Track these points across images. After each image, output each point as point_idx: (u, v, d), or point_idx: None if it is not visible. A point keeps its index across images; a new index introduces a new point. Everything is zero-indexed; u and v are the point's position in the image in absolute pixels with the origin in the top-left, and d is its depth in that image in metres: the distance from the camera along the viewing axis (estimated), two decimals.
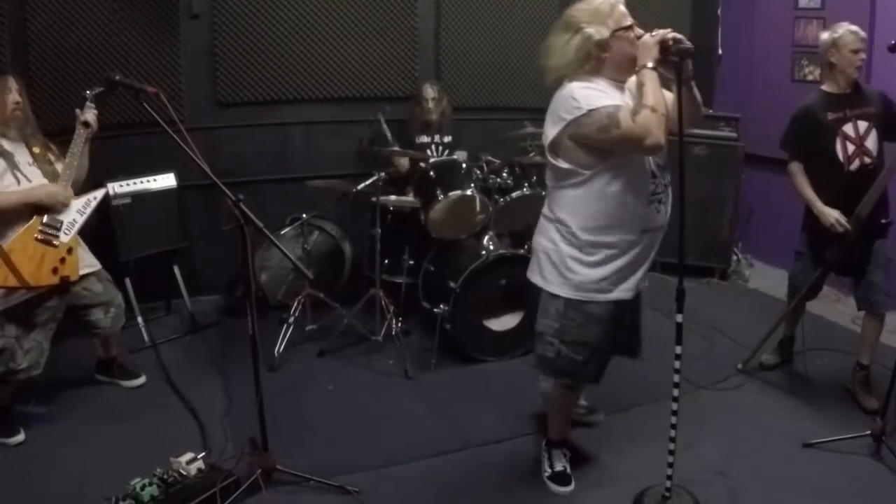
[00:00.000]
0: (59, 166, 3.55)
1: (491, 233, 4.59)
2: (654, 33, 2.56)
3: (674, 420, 2.75)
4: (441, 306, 4.27)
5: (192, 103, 4.94)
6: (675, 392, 2.72)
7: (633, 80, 2.63)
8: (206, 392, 3.92)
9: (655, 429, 3.30)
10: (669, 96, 2.64)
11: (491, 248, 4.44)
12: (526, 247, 4.89)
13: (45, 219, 3.40)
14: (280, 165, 5.35)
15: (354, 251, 5.21)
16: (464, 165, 4.54)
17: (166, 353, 4.38)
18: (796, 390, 4.03)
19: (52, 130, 3.81)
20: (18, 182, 3.38)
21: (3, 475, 3.15)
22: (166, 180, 4.69)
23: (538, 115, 5.56)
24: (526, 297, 4.40)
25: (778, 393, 4.00)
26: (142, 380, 4.00)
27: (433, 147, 5.01)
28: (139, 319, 4.50)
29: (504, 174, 4.65)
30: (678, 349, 2.67)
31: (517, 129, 4.89)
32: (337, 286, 5.07)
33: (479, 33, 5.70)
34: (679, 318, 2.66)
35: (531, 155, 4.84)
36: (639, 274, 2.79)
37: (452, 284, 4.22)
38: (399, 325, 4.50)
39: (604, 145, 2.57)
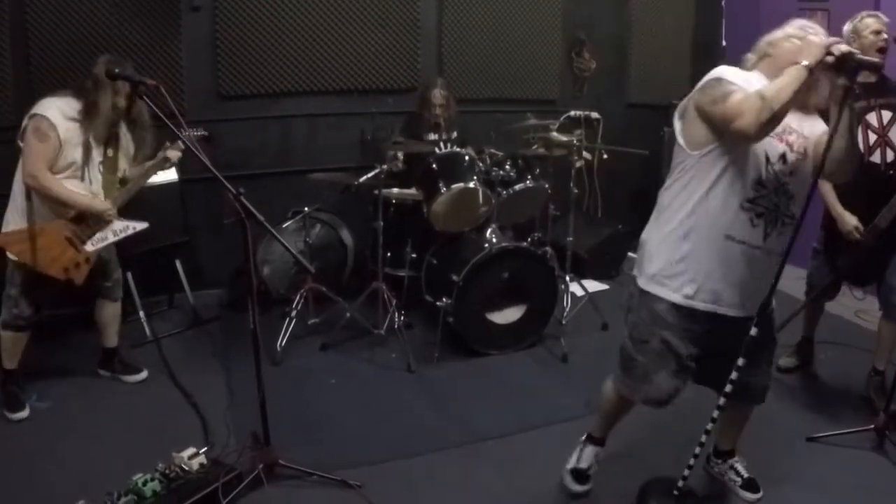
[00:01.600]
0: (120, 174, 3.66)
1: (494, 225, 4.57)
2: (827, 39, 2.34)
3: (710, 426, 2.60)
4: (444, 299, 4.26)
5: (194, 96, 4.92)
6: (721, 401, 2.56)
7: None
8: (209, 387, 3.91)
9: (661, 426, 3.30)
10: (820, 128, 2.58)
11: (494, 240, 4.43)
12: (529, 239, 4.89)
13: (83, 225, 3.52)
14: (282, 158, 5.33)
15: (357, 244, 5.19)
16: (466, 158, 4.52)
17: (168, 347, 4.38)
18: (800, 384, 4.02)
19: None
20: (82, 179, 3.47)
21: (4, 469, 3.14)
22: (168, 174, 4.63)
23: (541, 107, 5.66)
24: (529, 290, 4.41)
25: (782, 387, 3.97)
26: (143, 375, 3.99)
27: (441, 145, 4.98)
28: (141, 314, 4.49)
29: (507, 166, 4.63)
30: (740, 361, 2.50)
31: (520, 121, 4.87)
32: (340, 280, 5.06)
33: (481, 25, 5.67)
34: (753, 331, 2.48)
35: (534, 147, 4.83)
36: (724, 289, 2.55)
37: (455, 277, 4.21)
38: (402, 318, 4.50)
39: (711, 119, 2.44)
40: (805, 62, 2.27)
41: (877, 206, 3.52)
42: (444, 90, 4.97)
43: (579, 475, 3.07)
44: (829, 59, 2.25)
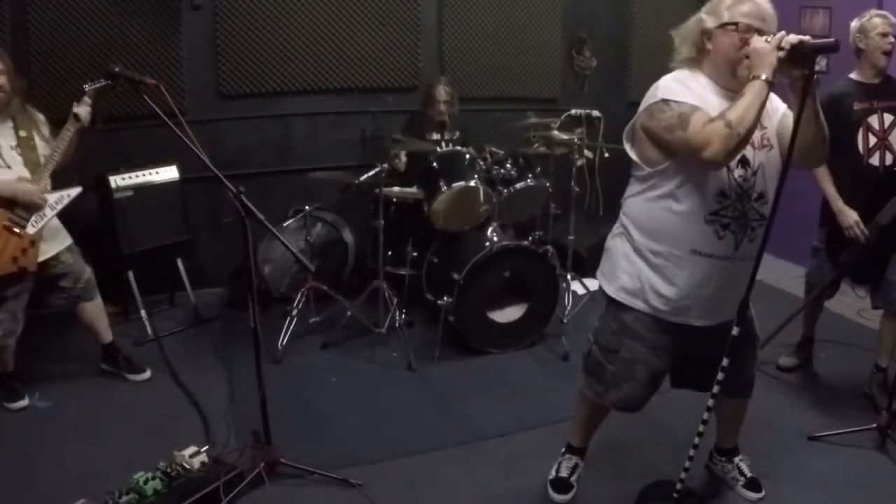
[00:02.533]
0: (41, 152, 3.57)
1: (495, 224, 4.56)
2: (769, 38, 2.20)
3: (701, 428, 2.57)
4: (445, 298, 4.26)
5: (194, 95, 4.91)
6: (710, 402, 2.54)
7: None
8: (210, 385, 3.91)
9: (659, 426, 3.30)
10: (779, 109, 2.50)
11: (495, 239, 4.42)
12: (530, 238, 4.89)
13: (17, 209, 3.43)
14: (283, 157, 5.33)
15: (358, 243, 5.19)
16: (467, 156, 4.52)
17: (169, 346, 4.37)
18: (801, 383, 4.02)
19: (51, 121, 3.79)
20: None
21: (5, 468, 3.14)
22: (169, 173, 4.65)
23: (542, 105, 5.65)
24: (530, 288, 4.40)
25: (783, 386, 3.98)
26: (147, 374, 3.98)
27: (443, 144, 4.97)
28: (142, 312, 4.49)
29: (508, 165, 4.62)
30: (725, 361, 2.47)
31: (521, 119, 4.87)
32: (340, 278, 5.06)
33: (482, 23, 5.66)
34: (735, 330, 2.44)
35: (535, 146, 4.83)
36: (695, 303, 2.50)
37: (456, 276, 4.21)
38: (402, 317, 4.49)
39: (667, 145, 2.37)
40: (764, 75, 2.16)
41: (876, 207, 3.54)
42: (448, 87, 4.96)
43: (558, 484, 3.04)
44: (781, 54, 2.15)
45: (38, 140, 3.61)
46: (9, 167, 3.46)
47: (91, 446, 3.33)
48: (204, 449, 3.06)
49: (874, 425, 3.31)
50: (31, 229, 3.46)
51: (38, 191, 3.46)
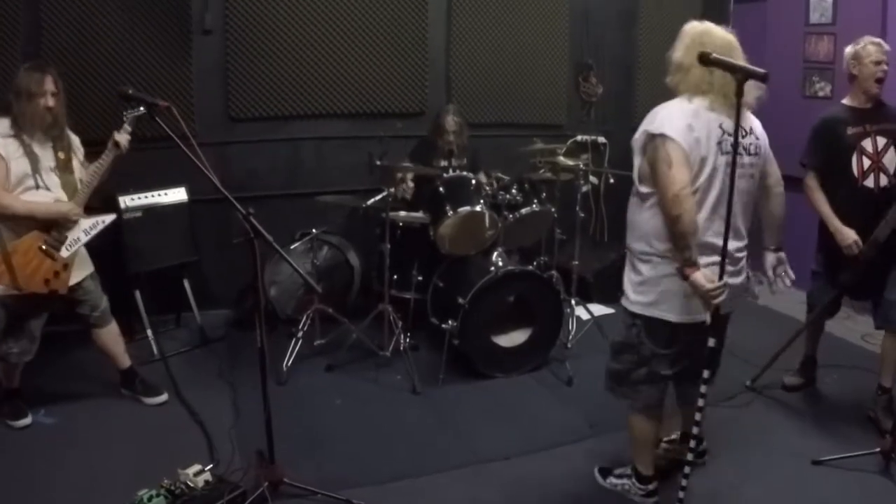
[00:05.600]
0: (78, 175, 3.62)
1: (500, 249, 4.57)
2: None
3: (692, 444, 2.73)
4: (449, 321, 4.27)
5: (204, 118, 4.98)
6: (697, 416, 2.70)
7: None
8: (215, 404, 3.92)
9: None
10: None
11: (500, 263, 4.43)
12: (535, 263, 4.91)
13: (52, 232, 3.49)
14: (291, 180, 5.38)
15: (364, 267, 5.21)
16: (473, 181, 4.55)
17: (175, 365, 4.39)
18: (806, 407, 4.01)
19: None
20: (37, 187, 3.46)
21: (10, 483, 3.16)
22: (177, 194, 4.71)
23: (548, 131, 5.70)
24: (534, 313, 4.41)
25: (787, 410, 3.98)
26: (164, 397, 3.98)
27: (451, 171, 5.00)
28: (149, 332, 4.52)
29: (514, 190, 4.65)
30: (706, 373, 2.68)
31: (527, 145, 4.90)
32: (346, 302, 5.08)
33: (489, 50, 5.73)
34: (711, 342, 2.66)
35: (542, 171, 4.86)
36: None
37: (461, 300, 4.22)
38: (407, 340, 4.50)
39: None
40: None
41: (871, 227, 3.61)
42: (457, 117, 4.99)
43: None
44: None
45: (75, 163, 3.67)
46: (47, 189, 3.50)
47: (95, 463, 3.34)
48: (208, 467, 3.07)
49: (878, 449, 3.30)
50: (64, 252, 3.52)
51: (73, 209, 3.51)
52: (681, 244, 2.54)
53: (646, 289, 2.78)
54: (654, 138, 2.62)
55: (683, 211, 2.50)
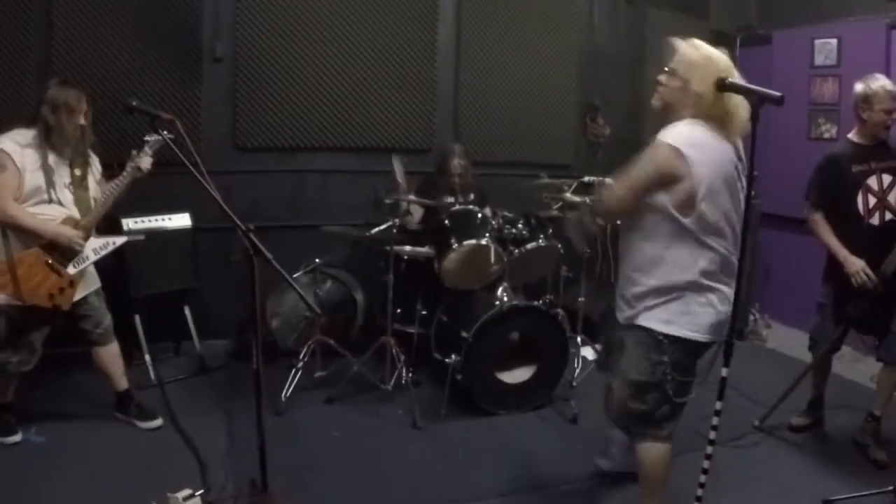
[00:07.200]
0: (93, 193, 3.63)
1: (505, 284, 4.52)
2: None
3: (703, 479, 2.67)
4: (452, 356, 4.20)
5: (211, 146, 4.95)
6: (709, 449, 2.65)
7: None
8: (210, 431, 3.85)
9: (671, 486, 3.20)
10: None
11: (505, 298, 4.38)
12: (540, 301, 4.84)
13: (62, 248, 3.47)
14: (295, 211, 5.36)
15: (367, 300, 5.16)
16: (479, 215, 4.51)
17: (172, 392, 4.32)
18: (814, 447, 3.96)
19: None
20: (50, 201, 3.45)
21: None
22: (181, 220, 4.68)
23: (555, 171, 5.68)
24: (539, 350, 4.34)
25: (796, 450, 3.92)
26: (159, 422, 3.91)
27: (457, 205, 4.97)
28: (147, 357, 4.47)
29: (519, 225, 4.62)
30: (718, 405, 2.62)
31: (533, 180, 4.88)
32: (348, 336, 5.01)
33: (497, 88, 5.75)
34: (724, 371, 2.60)
35: (552, 208, 4.82)
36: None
37: (465, 334, 4.16)
38: (410, 374, 4.42)
39: None
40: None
41: (877, 263, 3.60)
42: (462, 159, 4.95)
43: None
44: None
45: (90, 181, 3.66)
46: (60, 204, 3.49)
47: (85, 484, 3.27)
48: (199, 493, 3.00)
49: (890, 488, 3.25)
50: (71, 269, 3.51)
51: (76, 236, 3.49)
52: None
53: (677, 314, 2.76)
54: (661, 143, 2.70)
55: (611, 217, 2.81)
